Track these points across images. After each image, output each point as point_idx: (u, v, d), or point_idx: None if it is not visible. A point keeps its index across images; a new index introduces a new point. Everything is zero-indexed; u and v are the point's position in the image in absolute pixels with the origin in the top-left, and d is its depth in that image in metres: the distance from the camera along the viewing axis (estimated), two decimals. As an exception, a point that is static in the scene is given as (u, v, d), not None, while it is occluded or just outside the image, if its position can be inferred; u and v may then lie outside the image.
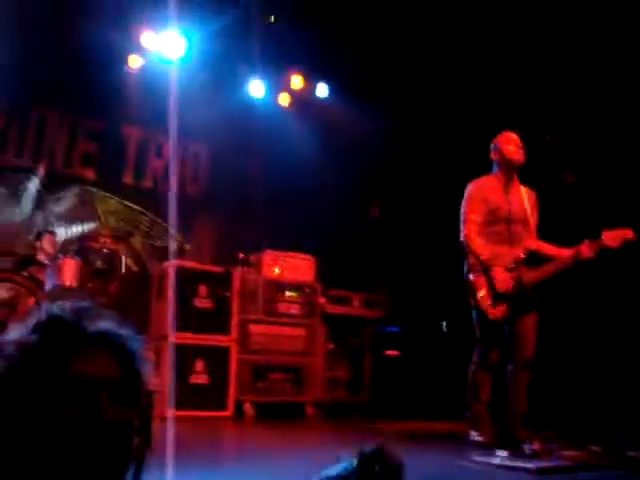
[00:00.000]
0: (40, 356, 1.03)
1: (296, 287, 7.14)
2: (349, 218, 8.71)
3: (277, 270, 7.11)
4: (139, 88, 8.18)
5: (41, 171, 7.92)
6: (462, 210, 4.82)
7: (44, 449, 1.01)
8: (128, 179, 8.56)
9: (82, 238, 7.01)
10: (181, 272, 6.48)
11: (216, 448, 4.71)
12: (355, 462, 1.34)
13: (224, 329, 6.57)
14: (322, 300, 7.33)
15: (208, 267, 7.02)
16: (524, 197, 4.86)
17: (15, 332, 1.08)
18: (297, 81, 8.98)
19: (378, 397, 7.46)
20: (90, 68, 7.60)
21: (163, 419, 5.29)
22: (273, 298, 6.97)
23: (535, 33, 6.61)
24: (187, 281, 6.46)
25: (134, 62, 8.12)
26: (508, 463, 3.46)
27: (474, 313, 4.75)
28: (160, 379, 5.90)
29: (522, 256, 4.68)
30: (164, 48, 7.85)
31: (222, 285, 6.65)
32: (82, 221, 8.15)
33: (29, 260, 6.93)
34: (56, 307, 1.10)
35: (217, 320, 6.55)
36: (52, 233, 7.31)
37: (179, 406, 5.77)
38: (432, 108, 7.97)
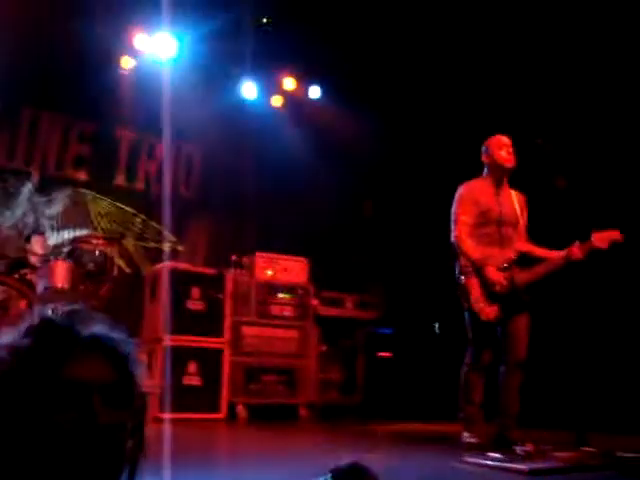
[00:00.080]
0: (33, 360, 1.03)
1: (289, 289, 7.14)
2: (342, 219, 8.71)
3: (270, 272, 7.11)
4: (132, 90, 8.17)
5: (34, 173, 7.90)
6: (453, 211, 4.85)
7: (38, 453, 1.00)
8: (120, 181, 8.54)
9: (74, 240, 6.97)
10: (174, 274, 6.47)
11: (209, 450, 4.70)
12: (330, 478, 1.34)
13: (217, 331, 6.57)
14: (315, 302, 7.33)
15: (201, 269, 7.02)
16: (514, 199, 4.89)
17: (7, 336, 1.07)
18: (289, 83, 8.98)
19: (371, 399, 7.47)
20: (82, 69, 7.59)
21: (157, 421, 5.30)
22: (266, 300, 6.97)
23: (525, 36, 6.63)
24: (180, 283, 6.46)
25: (126, 64, 8.11)
26: (501, 464, 3.46)
27: (466, 314, 4.76)
28: (153, 381, 5.90)
29: (513, 257, 4.71)
30: (157, 49, 7.85)
31: (215, 287, 6.65)
32: (74, 223, 8.13)
33: (21, 262, 6.90)
34: (49, 311, 1.10)
35: (210, 322, 6.54)
36: (41, 235, 7.28)
37: (172, 408, 5.77)
38: (424, 109, 7.99)
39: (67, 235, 7.82)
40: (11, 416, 1.01)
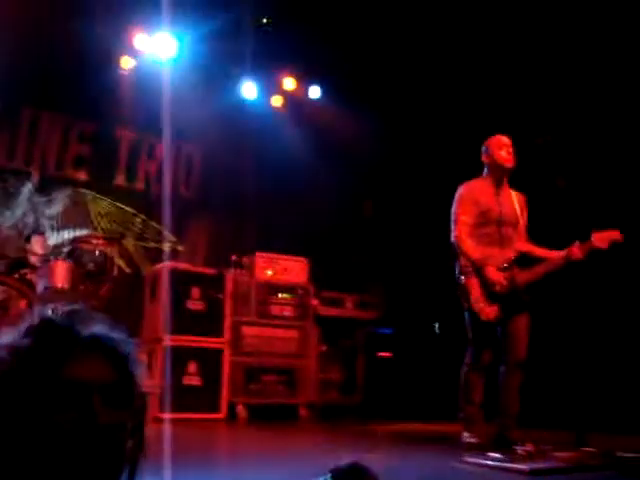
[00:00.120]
0: (33, 360, 1.03)
1: (289, 289, 7.13)
2: (342, 219, 8.70)
3: (270, 272, 7.10)
4: (132, 90, 8.17)
5: (34, 173, 7.90)
6: (453, 211, 4.85)
7: (38, 453, 1.00)
8: (120, 181, 8.54)
9: (74, 240, 6.98)
10: (174, 274, 6.47)
11: (209, 450, 4.70)
12: (330, 478, 1.34)
13: (217, 331, 6.56)
14: (315, 302, 7.33)
15: (201, 269, 7.02)
16: (514, 199, 4.89)
17: (8, 336, 1.07)
18: (289, 83, 8.98)
19: (371, 399, 7.46)
20: (82, 69, 7.59)
21: (157, 421, 5.30)
22: (266, 300, 6.97)
23: (523, 36, 6.63)
24: (180, 283, 6.46)
25: (126, 64, 8.11)
26: (501, 464, 3.46)
27: (466, 314, 4.77)
28: (153, 381, 5.90)
29: (513, 257, 4.71)
30: (156, 50, 7.85)
31: (215, 287, 6.65)
32: (74, 223, 8.13)
33: (21, 262, 6.90)
34: (49, 311, 1.10)
35: (210, 322, 6.54)
36: (41, 235, 7.28)
37: (172, 408, 5.77)
38: (424, 109, 7.99)
39: (67, 235, 7.82)
40: (11, 416, 1.01)
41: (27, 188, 7.85)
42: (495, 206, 4.80)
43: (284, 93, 9.08)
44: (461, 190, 4.89)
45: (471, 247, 4.70)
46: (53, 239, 7.80)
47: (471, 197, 4.82)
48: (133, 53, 8.03)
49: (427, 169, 7.85)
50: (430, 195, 6.96)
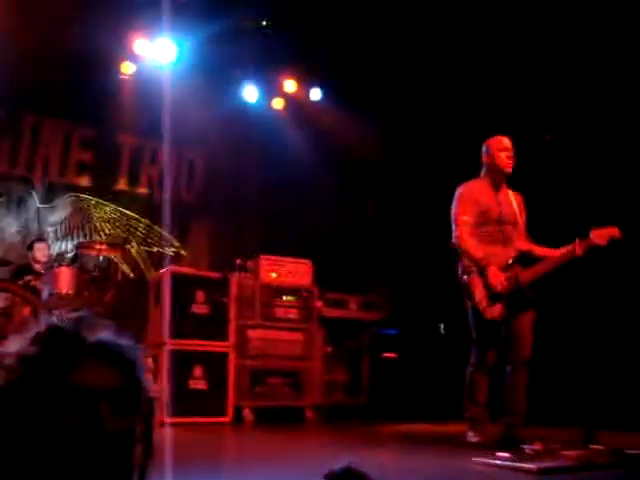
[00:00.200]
0: (40, 368, 1.03)
1: (293, 291, 7.12)
2: (345, 221, 8.70)
3: (274, 275, 7.10)
4: (133, 95, 8.19)
5: (36, 180, 7.91)
6: (453, 212, 4.86)
7: (45, 461, 1.00)
8: (123, 186, 8.55)
9: (78, 246, 6.99)
10: (178, 278, 6.46)
11: (216, 454, 4.69)
12: None
13: (222, 335, 6.55)
14: (319, 304, 7.32)
15: (205, 273, 7.02)
16: (512, 199, 4.90)
17: (15, 344, 1.07)
18: (290, 85, 8.98)
19: (377, 400, 7.45)
20: (83, 75, 7.60)
21: (163, 425, 5.30)
22: (270, 303, 6.96)
23: (519, 38, 6.63)
24: (184, 287, 6.44)
25: (127, 69, 8.12)
26: (510, 464, 3.45)
27: (470, 314, 4.77)
28: (159, 386, 5.90)
29: (515, 255, 4.72)
30: (157, 54, 7.86)
31: (219, 291, 6.63)
32: (77, 229, 8.14)
33: (25, 269, 6.92)
34: (55, 318, 1.09)
35: (215, 326, 6.53)
36: (43, 241, 7.30)
37: (178, 412, 5.78)
38: (424, 109, 7.98)
39: (71, 241, 7.83)
40: (19, 424, 1.01)
41: (30, 195, 7.87)
42: (495, 206, 4.82)
43: (285, 96, 9.09)
44: (460, 190, 4.90)
45: (473, 246, 4.70)
46: (57, 246, 7.82)
47: (471, 197, 4.83)
48: (134, 58, 8.05)
49: (430, 169, 7.85)
50: (433, 195, 6.94)
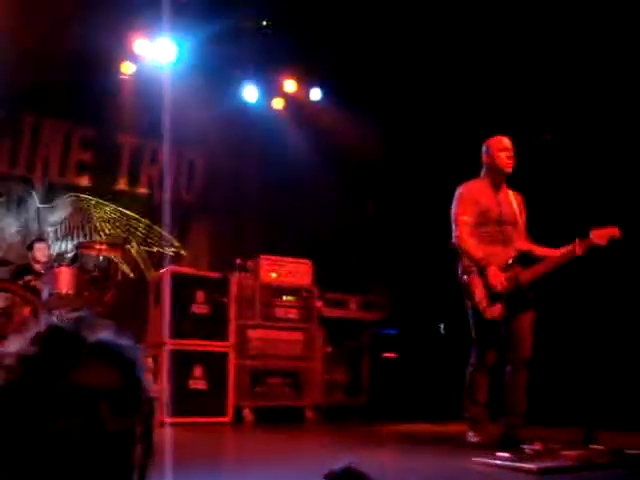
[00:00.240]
0: (40, 368, 1.03)
1: (293, 291, 7.12)
2: (345, 221, 8.70)
3: (274, 275, 7.10)
4: (133, 95, 8.18)
5: (37, 180, 7.91)
6: (453, 212, 4.86)
7: (45, 461, 1.00)
8: (123, 186, 8.56)
9: (78, 246, 6.99)
10: (178, 278, 6.46)
11: (216, 454, 4.69)
12: None
13: (222, 335, 6.55)
14: (319, 304, 7.32)
15: (205, 273, 7.02)
16: (512, 199, 4.90)
17: (15, 344, 1.07)
18: (290, 85, 8.98)
19: (377, 400, 7.45)
20: (83, 75, 7.60)
21: (162, 425, 5.30)
22: (270, 303, 6.96)
23: (519, 38, 6.63)
24: (184, 287, 6.44)
25: (127, 69, 8.12)
26: (510, 464, 3.45)
27: (470, 314, 4.77)
28: (159, 386, 5.90)
29: (515, 255, 4.72)
30: (157, 54, 7.86)
31: (219, 291, 6.63)
32: (77, 229, 8.14)
33: (25, 269, 6.92)
34: (55, 318, 1.09)
35: (215, 326, 6.53)
36: (43, 241, 7.30)
37: (178, 412, 5.77)
38: (424, 109, 7.98)
39: (71, 241, 7.84)
40: (19, 424, 1.01)
41: (30, 195, 7.87)
42: (495, 206, 4.82)
43: (285, 96, 9.09)
44: (460, 190, 4.91)
45: (473, 246, 4.70)
46: (57, 246, 7.82)
47: (471, 197, 4.83)
48: (134, 58, 8.05)
49: (430, 169, 7.84)
50: (433, 195, 6.95)
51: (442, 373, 7.03)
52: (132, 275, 8.30)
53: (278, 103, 9.12)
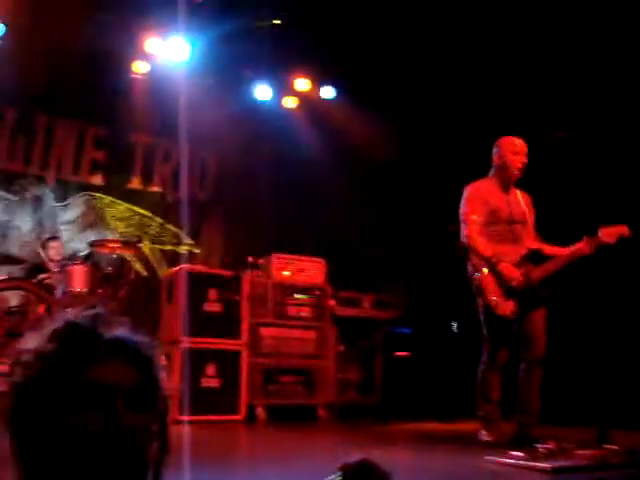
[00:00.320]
0: (58, 364, 1.03)
1: (306, 290, 7.12)
2: (358, 219, 8.68)
3: (286, 273, 7.10)
4: (146, 94, 8.21)
5: (50, 179, 7.96)
6: (462, 211, 4.85)
7: (62, 456, 1.00)
8: (136, 184, 8.59)
9: (91, 244, 7.02)
10: (191, 276, 6.47)
11: (229, 452, 4.70)
12: (340, 476, 1.33)
13: (234, 333, 6.56)
14: (332, 302, 7.32)
15: (217, 271, 7.03)
16: (520, 198, 4.89)
17: (32, 341, 1.08)
18: (303, 84, 8.97)
19: (389, 398, 7.44)
20: (96, 75, 7.64)
21: (176, 423, 5.31)
22: (283, 301, 6.96)
23: (535, 36, 6.60)
24: (197, 285, 6.45)
25: (140, 68, 8.15)
26: (524, 463, 3.44)
27: (482, 312, 4.75)
28: (172, 384, 5.92)
29: (525, 253, 4.71)
30: (170, 53, 7.87)
31: (232, 289, 6.64)
32: (91, 228, 8.18)
33: (39, 267, 6.96)
34: (72, 314, 1.10)
35: (227, 324, 6.54)
36: (56, 239, 7.34)
37: (191, 411, 5.78)
38: (439, 106, 7.95)
39: (84, 239, 7.87)
40: (38, 420, 1.01)
41: (44, 194, 7.91)
42: (505, 206, 4.81)
43: (298, 94, 9.08)
44: (469, 190, 4.90)
45: (482, 245, 4.70)
46: (70, 244, 7.86)
47: (479, 196, 4.83)
48: (146, 57, 8.07)
49: (444, 167, 7.81)
50: (447, 193, 6.93)
51: (455, 372, 7.01)
52: (145, 273, 8.33)
53: (291, 102, 9.12)
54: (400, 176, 8.69)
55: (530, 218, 4.92)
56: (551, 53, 6.53)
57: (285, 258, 7.19)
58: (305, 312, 7.06)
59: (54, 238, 7.37)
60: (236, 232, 8.87)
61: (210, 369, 6.31)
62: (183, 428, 5.06)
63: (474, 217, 4.76)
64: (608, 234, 4.49)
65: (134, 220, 8.44)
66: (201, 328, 6.33)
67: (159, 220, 8.58)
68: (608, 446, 3.71)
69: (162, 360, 1.21)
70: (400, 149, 8.48)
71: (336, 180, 8.72)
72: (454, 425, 6.20)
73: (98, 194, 8.27)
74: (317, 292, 7.17)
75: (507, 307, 4.59)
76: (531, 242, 4.83)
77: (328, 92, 9.05)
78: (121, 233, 8.21)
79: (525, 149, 4.79)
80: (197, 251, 8.75)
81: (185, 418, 5.56)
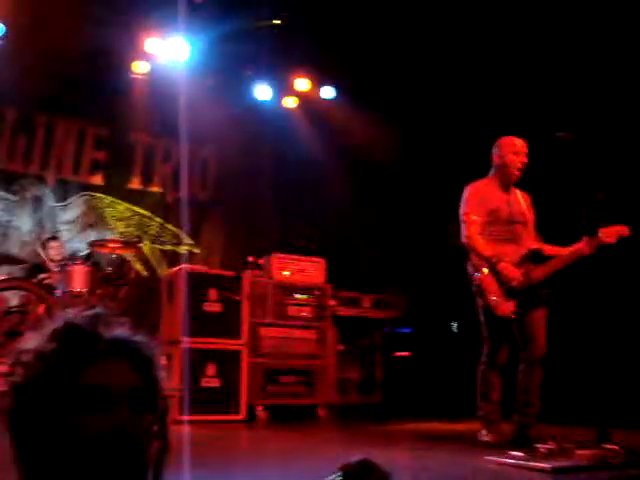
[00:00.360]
0: (58, 364, 1.03)
1: (306, 290, 7.12)
2: (359, 219, 8.68)
3: (287, 273, 7.10)
4: (146, 94, 8.21)
5: (50, 178, 7.96)
6: (461, 211, 4.84)
7: (62, 456, 1.00)
8: (136, 184, 8.59)
9: (91, 244, 7.02)
10: (191, 276, 6.47)
11: (229, 452, 4.70)
12: (340, 476, 1.33)
13: (234, 333, 6.56)
14: (332, 302, 7.32)
15: (217, 271, 7.03)
16: (520, 198, 4.89)
17: (32, 341, 1.07)
18: (303, 84, 8.97)
19: (390, 398, 7.45)
20: (96, 75, 7.63)
21: (176, 423, 5.31)
22: (283, 301, 6.96)
23: (539, 36, 6.59)
24: (197, 285, 6.45)
25: (141, 68, 8.15)
26: (524, 463, 3.44)
27: (482, 312, 4.75)
28: (172, 384, 5.92)
29: (526, 253, 4.71)
30: (170, 53, 7.87)
31: (232, 289, 6.64)
32: (90, 228, 8.18)
33: (39, 267, 6.96)
34: (72, 315, 1.10)
35: (227, 324, 6.54)
36: (56, 239, 7.34)
37: (191, 410, 5.78)
38: (439, 107, 7.95)
39: (84, 239, 7.87)
40: (38, 420, 1.01)
41: (44, 194, 7.91)
42: (504, 206, 4.81)
43: (298, 94, 9.08)
44: (468, 190, 4.90)
45: (482, 245, 4.69)
46: (70, 244, 7.86)
47: (479, 196, 4.82)
48: (146, 57, 8.07)
49: (444, 167, 7.81)
50: (448, 194, 6.93)
51: (455, 372, 7.01)
52: (145, 273, 8.33)
53: (291, 101, 9.12)
54: (400, 176, 8.69)
55: (530, 218, 4.92)
56: (551, 53, 6.53)
57: (285, 258, 7.19)
58: (305, 312, 7.06)
59: (54, 238, 7.37)
60: (236, 232, 8.87)
61: (210, 369, 6.31)
62: (183, 428, 5.06)
63: (474, 217, 4.75)
64: (608, 234, 4.49)
65: (134, 220, 8.44)
66: (201, 328, 6.32)
67: (159, 220, 8.58)
68: (608, 446, 3.70)
69: (162, 360, 1.20)
70: (400, 149, 8.49)
71: (336, 180, 8.72)
72: (454, 425, 6.19)
73: (98, 194, 8.27)
74: (317, 292, 7.17)
75: (507, 307, 4.59)
76: (531, 242, 4.83)
77: (328, 92, 9.05)
78: (121, 233, 8.21)
79: (525, 149, 4.79)
80: (197, 251, 8.75)
81: (185, 418, 5.56)
